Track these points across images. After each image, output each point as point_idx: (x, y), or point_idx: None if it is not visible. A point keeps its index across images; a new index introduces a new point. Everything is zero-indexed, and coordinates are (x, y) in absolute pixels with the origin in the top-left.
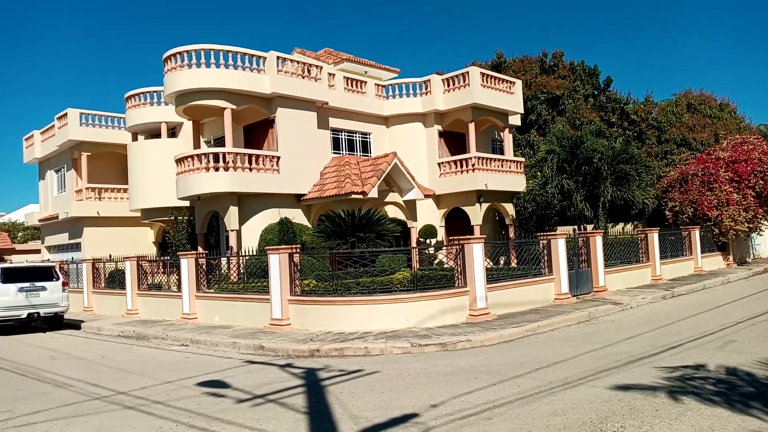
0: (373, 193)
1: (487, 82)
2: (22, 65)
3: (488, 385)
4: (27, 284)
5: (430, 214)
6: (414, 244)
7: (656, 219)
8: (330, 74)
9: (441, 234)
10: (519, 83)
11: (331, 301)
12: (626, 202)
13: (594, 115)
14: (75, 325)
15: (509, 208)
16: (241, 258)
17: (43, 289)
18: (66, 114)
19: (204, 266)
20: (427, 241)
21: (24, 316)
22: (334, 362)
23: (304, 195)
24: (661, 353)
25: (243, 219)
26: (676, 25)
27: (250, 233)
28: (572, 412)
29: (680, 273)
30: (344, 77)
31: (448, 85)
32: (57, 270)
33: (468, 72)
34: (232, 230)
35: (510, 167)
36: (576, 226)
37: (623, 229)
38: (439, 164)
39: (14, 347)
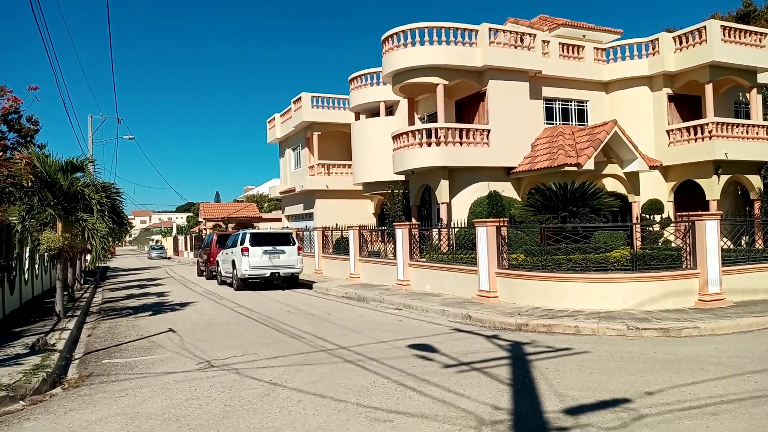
0: (589, 165)
1: (729, 35)
2: (261, 56)
3: (716, 378)
4: (270, 248)
5: (656, 188)
6: (635, 220)
7: None
8: (544, 41)
9: (668, 210)
10: None
11: (540, 276)
12: None
13: None
14: (308, 285)
15: (755, 181)
16: (450, 230)
17: (283, 252)
18: (300, 98)
19: (417, 236)
20: (652, 217)
21: (267, 275)
22: (541, 338)
23: (513, 168)
24: None
25: (453, 192)
26: None
27: (459, 206)
28: None
29: None
30: (559, 43)
31: (680, 43)
32: (294, 236)
33: (705, 26)
34: (442, 203)
35: (757, 133)
36: None
37: None
38: (667, 132)
39: (260, 301)
